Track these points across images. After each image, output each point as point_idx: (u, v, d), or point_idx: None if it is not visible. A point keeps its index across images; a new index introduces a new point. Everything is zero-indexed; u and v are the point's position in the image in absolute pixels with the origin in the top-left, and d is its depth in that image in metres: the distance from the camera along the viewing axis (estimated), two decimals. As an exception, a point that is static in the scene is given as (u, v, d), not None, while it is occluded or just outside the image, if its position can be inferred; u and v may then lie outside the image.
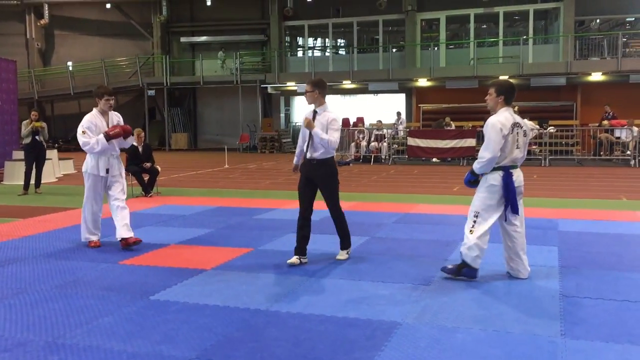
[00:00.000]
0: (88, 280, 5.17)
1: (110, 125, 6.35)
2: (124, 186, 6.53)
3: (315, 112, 5.71)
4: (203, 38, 27.94)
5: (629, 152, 17.01)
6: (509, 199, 4.89)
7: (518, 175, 4.97)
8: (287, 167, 16.45)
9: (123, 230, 6.30)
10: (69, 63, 27.98)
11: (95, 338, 3.79)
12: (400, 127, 20.55)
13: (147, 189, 10.73)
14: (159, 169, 11.07)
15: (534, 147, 18.29)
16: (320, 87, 5.70)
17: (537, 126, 18.73)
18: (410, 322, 4.05)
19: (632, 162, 16.38)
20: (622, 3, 22.46)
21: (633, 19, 23.25)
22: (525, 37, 22.62)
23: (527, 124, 15.96)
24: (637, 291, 4.69)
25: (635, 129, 16.83)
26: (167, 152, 24.93)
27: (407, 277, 5.16)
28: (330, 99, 26.61)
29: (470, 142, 17.20)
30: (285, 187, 12.19)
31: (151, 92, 26.20)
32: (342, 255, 5.86)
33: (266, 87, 25.30)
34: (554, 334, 3.80)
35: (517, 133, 4.90)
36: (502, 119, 4.87)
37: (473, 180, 5.07)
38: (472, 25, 23.61)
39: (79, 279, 5.19)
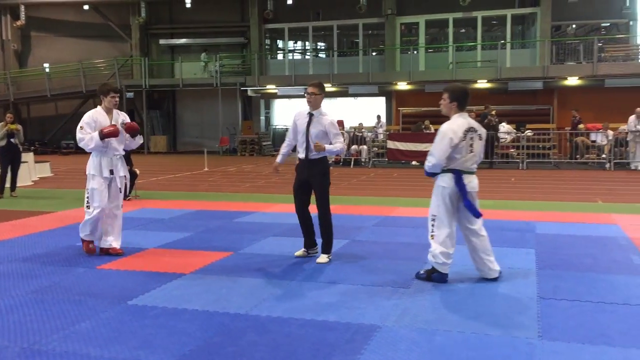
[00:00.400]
0: (65, 285, 5.10)
1: (112, 124, 6.08)
2: (124, 190, 6.33)
3: (311, 115, 5.78)
4: (182, 40, 27.77)
5: (604, 156, 17.28)
6: (463, 199, 4.90)
7: (470, 181, 4.98)
8: (268, 170, 16.43)
9: (115, 240, 6.19)
10: (46, 65, 27.62)
11: (72, 344, 3.74)
12: (380, 131, 20.64)
13: (125, 192, 10.60)
14: (138, 172, 10.97)
15: (512, 150, 18.50)
16: (324, 90, 5.90)
17: (515, 130, 18.97)
18: (389, 325, 4.07)
19: (607, 166, 16.63)
20: (598, 9, 22.83)
21: (608, 24, 23.65)
22: (503, 41, 22.88)
23: (505, 127, 15.81)
24: (612, 293, 4.76)
25: (610, 132, 17.10)
26: (146, 155, 24.70)
27: (387, 280, 5.18)
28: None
29: (449, 145, 17.29)
30: (266, 190, 12.16)
31: (130, 95, 25.95)
32: (323, 259, 5.85)
33: (246, 90, 25.24)
34: (531, 336, 3.84)
35: (472, 138, 4.94)
36: (454, 126, 4.91)
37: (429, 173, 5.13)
38: (450, 29, 23.81)
39: (55, 284, 5.11)
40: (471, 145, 4.93)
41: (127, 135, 6.20)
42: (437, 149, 4.90)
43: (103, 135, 5.95)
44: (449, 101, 5.01)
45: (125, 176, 6.29)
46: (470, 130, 4.94)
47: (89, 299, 4.67)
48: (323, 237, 5.92)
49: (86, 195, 6.18)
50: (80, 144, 6.06)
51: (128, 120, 6.30)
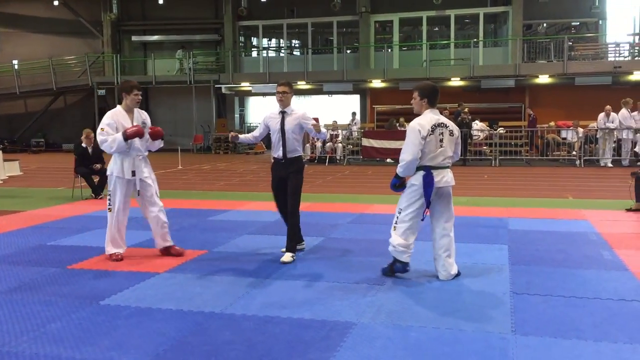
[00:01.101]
0: (35, 285, 5.00)
1: (134, 124, 5.81)
2: (156, 189, 6.02)
3: (284, 113, 5.91)
4: (155, 37, 27.46)
5: (574, 153, 17.57)
6: (426, 199, 4.94)
7: (443, 176, 4.99)
8: (242, 168, 16.36)
9: (164, 239, 5.99)
10: (15, 61, 27.05)
11: (42, 345, 3.67)
12: (355, 128, 20.69)
13: (97, 190, 10.47)
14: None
15: (485, 147, 18.71)
16: (293, 88, 6.12)
17: (488, 127, 19.18)
18: (365, 322, 4.07)
19: (578, 162, 16.91)
20: (568, 8, 23.21)
21: (578, 23, 24.05)
22: (475, 39, 23.10)
23: (478, 125, 15.92)
24: (583, 287, 4.84)
25: (580, 130, 17.40)
26: (119, 153, 24.37)
27: (362, 277, 5.19)
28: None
29: (423, 142, 17.39)
30: (240, 188, 12.10)
31: (101, 92, 25.60)
32: (288, 257, 5.76)
33: (220, 88, 25.07)
34: (505, 331, 3.88)
35: (442, 133, 4.96)
36: (422, 121, 4.96)
37: (398, 184, 5.11)
38: (424, 27, 23.97)
39: (25, 284, 5.01)
40: (441, 140, 4.96)
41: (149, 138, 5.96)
42: (408, 145, 4.92)
43: (127, 136, 5.65)
44: (419, 99, 5.07)
45: (150, 176, 5.98)
46: (440, 125, 4.97)
47: (60, 300, 4.58)
48: (289, 233, 5.88)
49: (108, 198, 5.94)
50: (103, 147, 5.76)
51: (149, 120, 6.04)
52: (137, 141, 5.82)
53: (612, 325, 3.97)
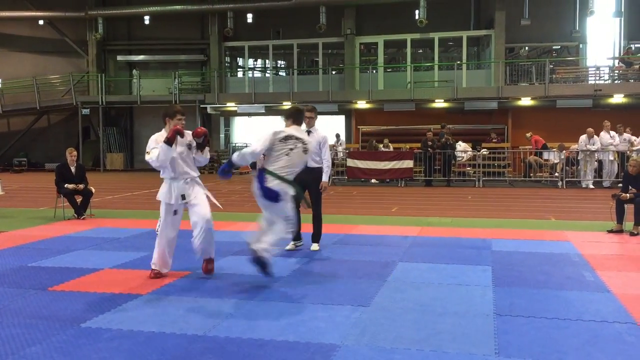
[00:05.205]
0: (14, 308, 4.92)
1: (177, 146, 5.76)
2: (207, 207, 5.90)
3: (309, 132, 6.94)
4: (141, 57, 27.46)
5: (556, 174, 17.77)
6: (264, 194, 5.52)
7: (278, 184, 5.49)
8: (227, 188, 16.30)
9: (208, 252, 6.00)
10: (-2, 80, 26.92)
11: (21, 369, 3.61)
12: (340, 149, 20.78)
13: (80, 210, 10.38)
14: (93, 190, 10.73)
15: (469, 168, 18.86)
16: (317, 112, 7.30)
17: (471, 148, 19.36)
18: (349, 344, 4.06)
19: (560, 184, 17.10)
20: (549, 32, 23.63)
21: (559, 47, 24.49)
22: (459, 62, 23.41)
23: (462, 146, 16.15)
24: (565, 309, 4.87)
25: (562, 151, 17.60)
26: (102, 173, 24.24)
27: (347, 298, 5.18)
28: (270, 119, 26.39)
29: (408, 163, 17.53)
30: (224, 208, 12.01)
31: (85, 111, 25.48)
32: (315, 247, 7.31)
33: (205, 107, 25.09)
34: (488, 353, 3.89)
35: (295, 145, 5.60)
36: (284, 129, 5.70)
37: (227, 169, 5.64)
38: (408, 49, 24.25)
39: (4, 307, 4.93)
40: (291, 149, 5.58)
41: (195, 150, 5.90)
42: (258, 139, 5.56)
43: (168, 140, 5.63)
44: (286, 121, 5.86)
45: (207, 195, 5.92)
46: (296, 138, 5.64)
47: (40, 322, 4.52)
48: (316, 229, 7.35)
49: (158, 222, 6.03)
50: (154, 166, 5.74)
51: (193, 142, 5.96)
52: (182, 164, 5.82)
53: (594, 347, 4.00)
